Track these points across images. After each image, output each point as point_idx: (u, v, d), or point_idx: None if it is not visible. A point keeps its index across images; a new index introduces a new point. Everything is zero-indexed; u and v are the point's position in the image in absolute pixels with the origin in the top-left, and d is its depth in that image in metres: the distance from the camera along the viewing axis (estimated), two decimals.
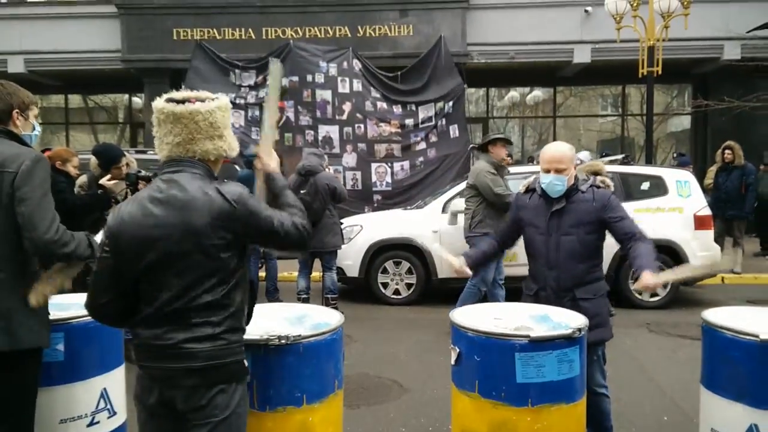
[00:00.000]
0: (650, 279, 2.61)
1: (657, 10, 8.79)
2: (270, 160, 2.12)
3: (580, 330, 2.35)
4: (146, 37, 11.33)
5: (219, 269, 1.82)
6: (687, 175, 6.98)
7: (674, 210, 6.68)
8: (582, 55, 11.62)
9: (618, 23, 9.00)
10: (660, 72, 8.92)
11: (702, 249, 6.48)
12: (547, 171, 2.88)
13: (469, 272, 3.09)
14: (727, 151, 8.56)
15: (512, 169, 7.43)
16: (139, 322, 1.85)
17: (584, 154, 7.07)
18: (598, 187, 2.92)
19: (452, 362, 2.51)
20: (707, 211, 6.73)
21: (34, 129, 2.50)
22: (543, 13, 11.55)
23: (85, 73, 12.19)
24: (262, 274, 7.01)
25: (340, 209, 9.08)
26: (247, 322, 2.01)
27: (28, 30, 11.81)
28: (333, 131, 10.08)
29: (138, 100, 13.54)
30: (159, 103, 1.92)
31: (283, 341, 2.19)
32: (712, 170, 9.39)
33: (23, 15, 11.94)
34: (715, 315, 2.55)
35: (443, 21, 11.23)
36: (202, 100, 1.90)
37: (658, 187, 6.84)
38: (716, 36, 11.04)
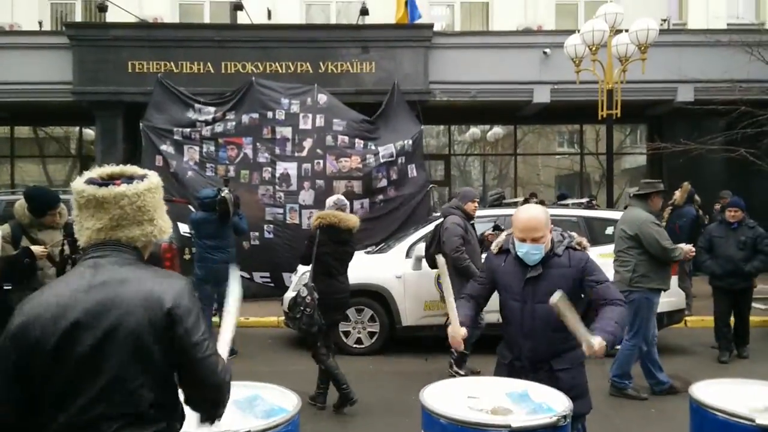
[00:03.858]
0: (594, 346, 2.39)
1: (615, 54, 8.93)
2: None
3: (565, 417, 2.13)
4: (99, 70, 10.91)
5: (147, 371, 1.55)
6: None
7: None
8: (541, 96, 11.76)
9: (577, 66, 9.11)
10: (619, 114, 9.03)
11: (666, 294, 6.40)
12: (523, 240, 2.69)
13: (462, 346, 2.82)
14: (675, 192, 8.70)
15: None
16: None
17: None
18: (575, 249, 2.75)
19: None
20: None
21: None
22: (504, 54, 11.67)
23: (33, 105, 11.65)
24: (215, 319, 6.61)
25: (298, 252, 8.86)
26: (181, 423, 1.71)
27: None
28: (291, 168, 9.81)
29: (90, 132, 13.02)
30: (78, 184, 1.66)
31: None
32: (667, 210, 9.52)
33: None
34: (705, 393, 2.37)
35: (405, 58, 11.21)
36: (129, 180, 1.66)
37: None
38: (670, 79, 11.34)
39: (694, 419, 2.40)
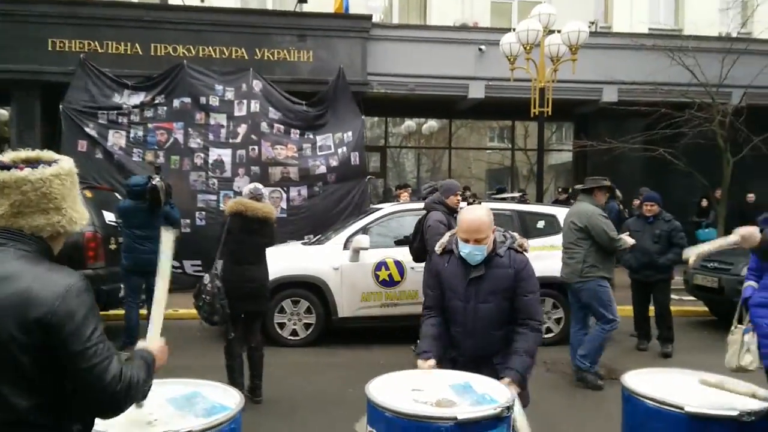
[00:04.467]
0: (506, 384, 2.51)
1: (547, 54, 9.22)
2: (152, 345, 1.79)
3: (508, 408, 2.17)
4: (17, 47, 10.18)
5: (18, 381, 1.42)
6: None
7: None
8: (476, 91, 11.99)
9: (512, 63, 9.33)
10: (550, 112, 9.33)
11: None
12: (466, 240, 2.72)
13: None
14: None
15: (411, 206, 7.39)
16: None
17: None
18: (516, 250, 2.80)
19: None
20: None
21: None
22: (441, 49, 11.80)
23: None
24: (142, 311, 6.35)
25: None
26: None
27: None
28: (225, 154, 9.56)
29: (4, 112, 12.13)
30: None
31: None
32: None
33: None
34: (637, 381, 2.48)
35: (343, 49, 11.11)
36: (34, 164, 1.52)
37: (552, 226, 7.02)
38: (597, 80, 11.84)
39: (626, 407, 2.51)
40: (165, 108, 9.56)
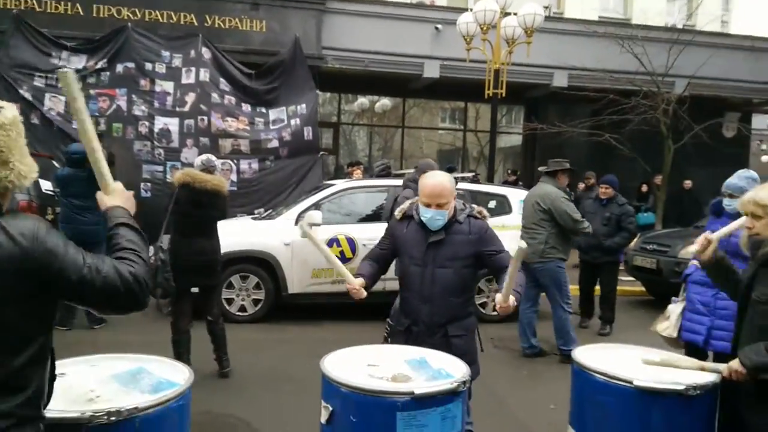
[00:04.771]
0: (499, 299, 2.50)
1: (503, 36, 9.25)
2: (110, 197, 1.66)
3: (464, 383, 2.17)
4: None
5: (8, 337, 1.34)
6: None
7: (516, 228, 6.95)
8: (431, 71, 11.96)
9: (468, 44, 9.32)
10: (504, 94, 9.40)
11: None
12: (428, 205, 2.70)
13: (364, 294, 2.77)
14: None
15: (364, 182, 7.34)
16: None
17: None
18: (476, 217, 2.81)
19: (323, 421, 2.19)
20: None
21: None
22: (397, 26, 11.68)
23: None
24: None
25: None
26: (47, 403, 1.51)
27: None
28: (172, 123, 9.18)
29: None
30: None
31: (113, 418, 1.71)
32: None
33: None
34: (586, 356, 2.53)
35: (297, 20, 10.84)
36: None
37: (503, 206, 7.13)
38: (549, 64, 12.00)
39: (575, 382, 2.56)
40: (107, 73, 9.09)
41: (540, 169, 5.92)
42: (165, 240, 4.61)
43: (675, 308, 3.93)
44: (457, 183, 2.97)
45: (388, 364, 2.38)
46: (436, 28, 11.81)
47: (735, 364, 2.18)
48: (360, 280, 2.76)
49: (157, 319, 6.39)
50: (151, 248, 4.48)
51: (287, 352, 5.52)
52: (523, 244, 2.29)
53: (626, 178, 13.57)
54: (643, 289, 8.81)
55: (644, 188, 13.26)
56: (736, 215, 3.81)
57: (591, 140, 12.19)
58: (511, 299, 2.48)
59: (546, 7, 13.43)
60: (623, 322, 6.97)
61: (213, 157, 4.93)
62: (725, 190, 3.95)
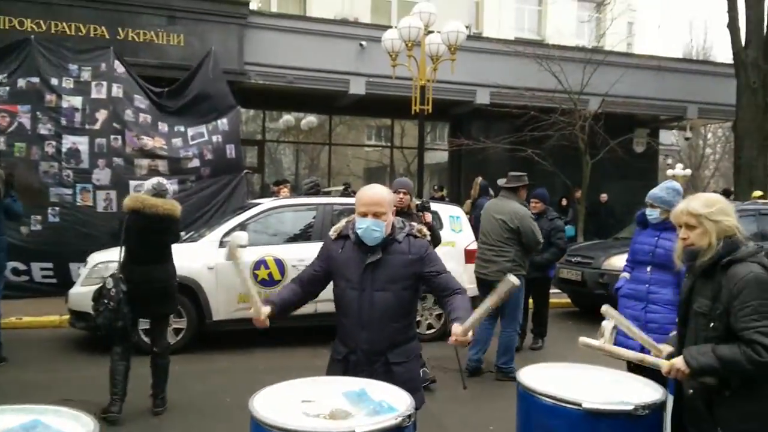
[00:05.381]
0: (460, 331, 2.36)
1: (428, 53, 9.32)
2: None
3: (409, 417, 2.01)
4: None
5: None
6: (458, 211, 7.38)
7: (447, 244, 6.93)
8: (357, 87, 11.90)
9: (393, 60, 9.33)
10: (430, 110, 9.45)
11: (471, 282, 6.81)
12: (364, 215, 2.54)
13: (266, 324, 2.57)
14: (474, 188, 9.43)
15: (293, 201, 7.11)
16: None
17: None
18: (415, 236, 2.67)
19: None
20: (475, 246, 7.14)
21: None
22: (322, 42, 11.57)
23: None
24: None
25: (91, 239, 7.78)
26: None
27: None
28: (81, 143, 8.58)
29: None
30: None
31: None
32: (468, 203, 10.30)
33: None
34: (532, 378, 2.43)
35: (218, 35, 10.48)
36: None
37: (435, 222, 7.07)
38: (472, 82, 12.24)
39: (521, 405, 2.45)
40: (7, 88, 8.40)
41: (499, 182, 5.90)
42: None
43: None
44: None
45: (324, 398, 2.19)
46: (361, 45, 11.79)
47: (678, 362, 2.15)
48: (266, 309, 2.56)
49: (64, 354, 5.90)
50: (110, 280, 4.33)
51: (216, 385, 5.17)
52: (515, 280, 2.18)
53: (548, 193, 14.06)
54: (569, 300, 9.03)
55: (564, 202, 13.74)
56: (659, 224, 3.92)
57: (514, 155, 12.50)
58: (470, 333, 2.36)
59: (467, 27, 13.78)
60: (553, 334, 7.06)
61: (164, 181, 4.77)
62: (648, 201, 4.04)
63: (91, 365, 5.46)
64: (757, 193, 9.96)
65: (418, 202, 5.35)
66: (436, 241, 5.36)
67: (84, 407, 2.08)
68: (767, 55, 11.73)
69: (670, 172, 20.09)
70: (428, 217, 5.31)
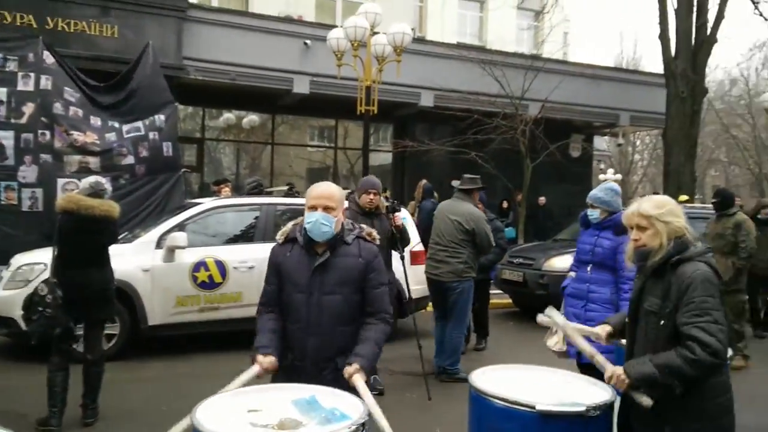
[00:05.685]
0: (352, 372, 2.37)
1: (373, 54, 9.28)
2: None
3: (363, 425, 1.93)
4: None
5: None
6: (404, 213, 7.35)
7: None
8: (301, 86, 11.74)
9: (339, 59, 9.23)
10: (376, 111, 9.41)
11: (417, 283, 6.80)
12: (314, 208, 2.45)
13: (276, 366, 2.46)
14: (417, 190, 9.42)
15: (234, 201, 6.91)
16: None
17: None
18: (365, 239, 2.59)
19: None
20: (420, 247, 7.15)
21: None
22: (264, 39, 11.34)
23: None
24: None
25: (14, 239, 7.29)
26: None
27: None
28: (6, 137, 7.98)
29: None
30: None
31: None
32: (412, 205, 10.31)
33: None
34: (484, 380, 2.40)
35: (154, 28, 10.09)
36: None
37: None
38: (416, 84, 12.30)
39: (474, 408, 2.42)
40: None
41: (454, 184, 5.91)
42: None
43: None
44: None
45: (272, 407, 2.09)
46: (305, 44, 11.63)
47: (619, 370, 2.18)
48: (269, 360, 2.44)
49: None
50: (43, 286, 4.08)
51: (152, 393, 4.91)
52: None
53: (489, 195, 14.30)
54: (510, 301, 9.18)
55: (505, 204, 14.02)
56: (599, 223, 4.03)
57: (457, 158, 12.64)
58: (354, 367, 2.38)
59: (412, 29, 13.86)
60: (495, 334, 7.15)
61: (102, 180, 4.56)
62: (589, 201, 4.14)
63: (16, 373, 5.11)
64: (683, 197, 10.47)
65: (387, 204, 5.25)
66: (405, 242, 5.36)
67: (14, 420, 1.89)
68: (696, 66, 12.36)
69: (602, 176, 20.84)
70: (399, 219, 5.23)
